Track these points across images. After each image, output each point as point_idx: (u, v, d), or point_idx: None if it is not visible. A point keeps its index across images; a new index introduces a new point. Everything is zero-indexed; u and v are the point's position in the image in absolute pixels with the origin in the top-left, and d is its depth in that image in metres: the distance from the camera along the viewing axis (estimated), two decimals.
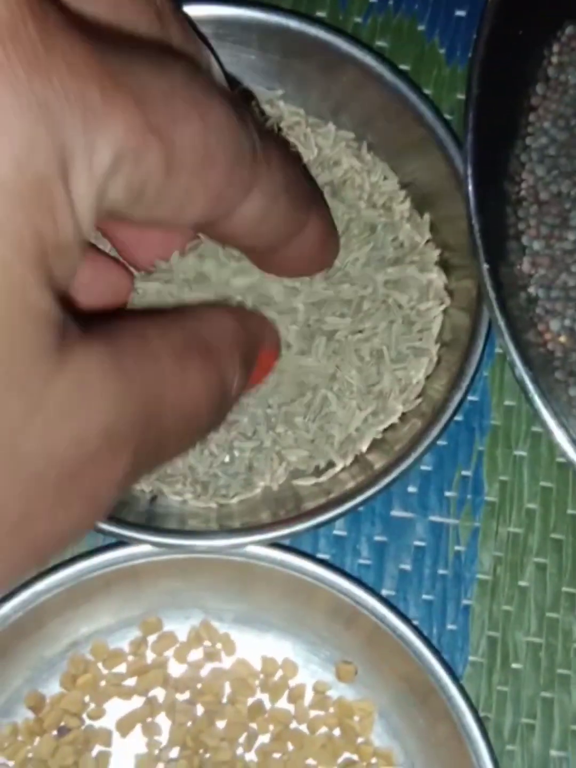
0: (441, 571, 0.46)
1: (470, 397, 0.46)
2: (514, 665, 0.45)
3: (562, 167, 0.43)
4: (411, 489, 0.46)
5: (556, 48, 0.45)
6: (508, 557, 0.46)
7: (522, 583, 0.46)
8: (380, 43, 0.50)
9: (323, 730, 0.44)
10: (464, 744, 0.40)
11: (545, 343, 0.43)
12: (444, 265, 0.45)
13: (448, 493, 0.46)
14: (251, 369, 0.31)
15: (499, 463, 0.47)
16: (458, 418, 0.46)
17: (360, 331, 0.43)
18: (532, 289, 0.43)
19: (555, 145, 0.44)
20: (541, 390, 0.40)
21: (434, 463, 0.46)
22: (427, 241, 0.45)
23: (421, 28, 0.50)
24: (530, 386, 0.40)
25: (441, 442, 0.46)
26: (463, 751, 0.40)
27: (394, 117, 0.44)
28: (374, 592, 0.43)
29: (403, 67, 0.49)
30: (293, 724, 0.44)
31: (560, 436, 0.40)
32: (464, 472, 0.46)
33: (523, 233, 0.43)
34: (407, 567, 0.46)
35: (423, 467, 0.46)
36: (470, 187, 0.41)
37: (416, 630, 0.42)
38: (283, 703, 0.44)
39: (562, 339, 0.42)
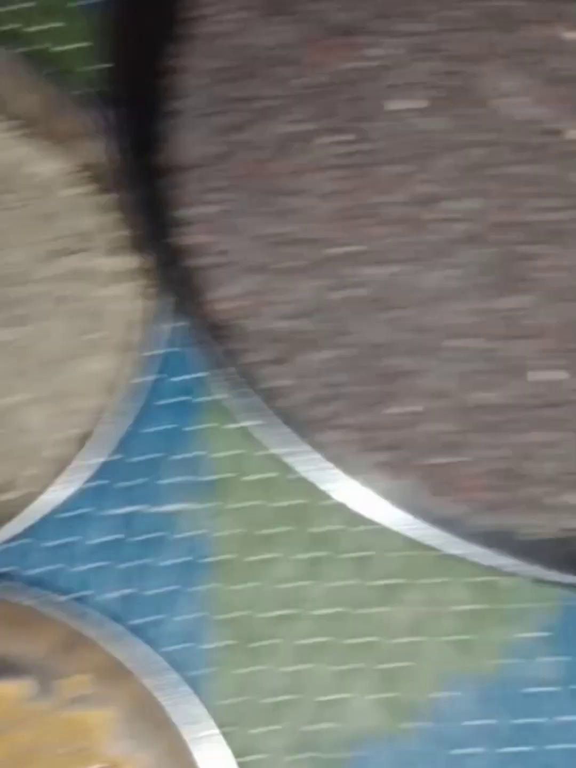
0: (171, 561, 0.44)
1: (173, 378, 0.45)
2: (259, 644, 0.44)
3: (204, 128, 0.42)
4: (137, 481, 0.44)
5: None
6: (242, 534, 0.44)
7: (254, 558, 0.44)
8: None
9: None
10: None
11: (216, 312, 0.41)
12: (119, 248, 0.44)
13: (169, 480, 0.44)
14: None
15: (221, 439, 0.45)
16: (167, 400, 0.45)
17: (33, 335, 0.42)
18: (195, 259, 0.41)
19: (196, 107, 0.42)
20: (219, 362, 0.39)
21: (149, 450, 0.45)
22: (102, 227, 0.44)
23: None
24: (211, 362, 0.39)
25: (151, 429, 0.44)
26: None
27: (55, 110, 0.44)
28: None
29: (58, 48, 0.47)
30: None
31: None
32: (184, 455, 0.45)
33: (180, 202, 0.42)
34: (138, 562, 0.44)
35: (140, 458, 0.44)
36: (118, 165, 0.40)
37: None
38: None
39: (230, 305, 0.41)
